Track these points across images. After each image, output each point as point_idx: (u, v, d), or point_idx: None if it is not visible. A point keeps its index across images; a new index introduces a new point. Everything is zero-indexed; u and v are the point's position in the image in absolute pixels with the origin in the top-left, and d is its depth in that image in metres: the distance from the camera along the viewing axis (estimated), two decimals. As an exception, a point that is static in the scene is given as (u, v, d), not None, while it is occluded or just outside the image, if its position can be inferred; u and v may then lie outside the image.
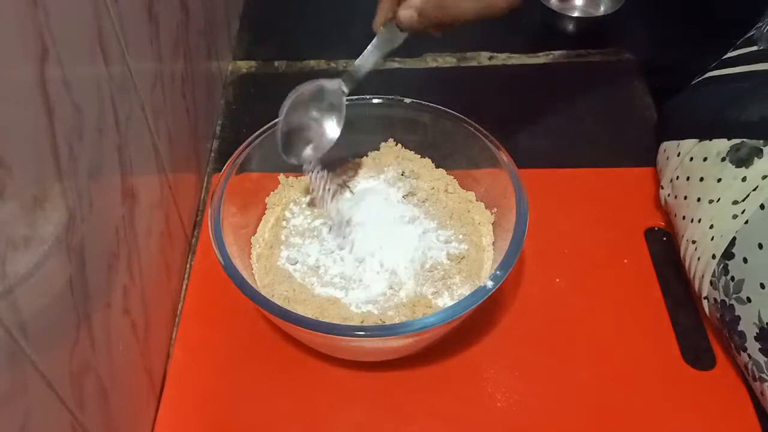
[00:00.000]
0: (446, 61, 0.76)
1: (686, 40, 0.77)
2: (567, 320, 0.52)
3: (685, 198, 0.50)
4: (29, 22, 0.31)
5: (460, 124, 0.54)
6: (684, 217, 0.50)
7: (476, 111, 0.55)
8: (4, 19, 0.29)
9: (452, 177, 0.57)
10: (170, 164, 0.52)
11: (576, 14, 0.80)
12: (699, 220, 0.48)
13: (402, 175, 0.57)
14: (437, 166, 0.58)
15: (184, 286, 0.56)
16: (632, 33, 0.78)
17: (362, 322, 0.47)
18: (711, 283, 0.47)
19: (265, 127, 0.54)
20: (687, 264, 0.50)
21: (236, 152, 0.52)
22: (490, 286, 0.44)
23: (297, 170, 0.57)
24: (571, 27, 0.78)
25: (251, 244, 0.54)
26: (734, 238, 0.45)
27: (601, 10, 0.80)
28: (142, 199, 0.46)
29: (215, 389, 0.49)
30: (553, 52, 0.76)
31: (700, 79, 0.54)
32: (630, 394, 0.48)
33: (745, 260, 0.44)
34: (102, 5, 0.39)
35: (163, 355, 0.51)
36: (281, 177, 0.57)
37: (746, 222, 0.44)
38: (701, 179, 0.49)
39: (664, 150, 0.55)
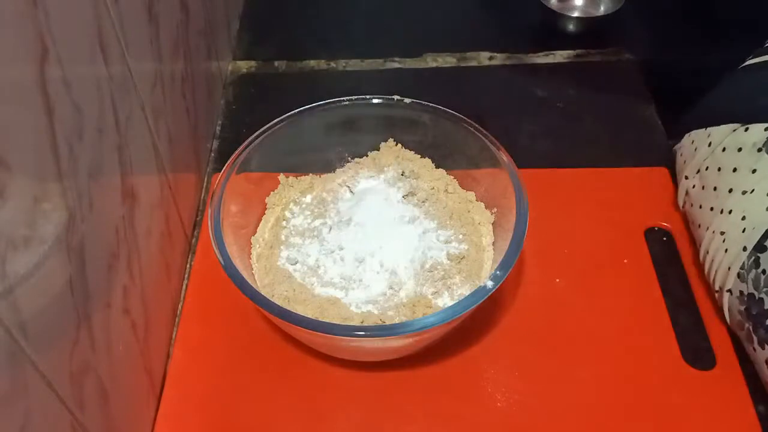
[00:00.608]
0: (446, 61, 0.76)
1: (686, 40, 0.77)
2: (567, 320, 0.52)
3: (715, 189, 0.49)
4: (29, 22, 0.31)
5: (460, 124, 0.54)
6: (712, 209, 0.49)
7: (476, 111, 0.56)
8: (4, 19, 0.29)
9: (452, 177, 0.57)
10: (170, 164, 0.53)
11: (576, 14, 0.80)
12: (730, 212, 0.47)
13: (402, 175, 0.57)
14: (437, 166, 0.58)
15: (184, 286, 0.56)
16: (632, 33, 0.78)
17: (362, 322, 0.47)
18: (738, 275, 0.46)
19: (265, 127, 0.54)
20: (711, 256, 0.49)
21: (236, 152, 0.52)
22: (490, 286, 0.44)
23: (296, 170, 0.58)
24: (571, 27, 0.78)
25: (251, 244, 0.54)
26: (767, 231, 0.44)
27: (601, 10, 0.80)
28: (142, 199, 0.46)
29: (215, 389, 0.49)
30: (553, 52, 0.76)
31: (735, 70, 0.53)
32: (630, 394, 0.48)
33: None
34: (102, 5, 0.39)
35: (163, 355, 0.51)
36: (281, 177, 0.57)
37: None
38: (734, 170, 0.47)
39: (692, 141, 0.53)
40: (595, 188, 0.61)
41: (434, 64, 0.75)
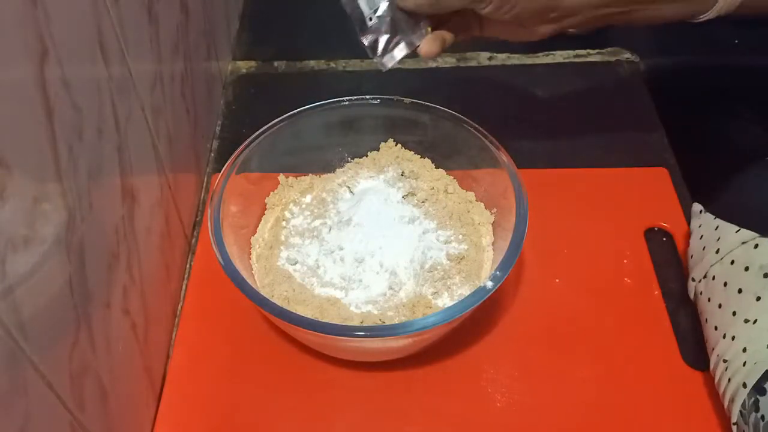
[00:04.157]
0: (446, 61, 0.75)
1: (686, 40, 0.77)
2: (567, 320, 0.52)
3: (720, 306, 0.45)
4: (29, 22, 0.31)
5: (460, 124, 0.54)
6: (716, 328, 0.45)
7: (476, 111, 0.55)
8: (4, 19, 0.29)
9: (452, 177, 0.57)
10: (170, 164, 0.52)
11: (576, 14, 0.80)
12: (732, 338, 0.43)
13: (402, 175, 0.57)
14: (437, 166, 0.58)
15: (183, 287, 0.56)
16: (632, 33, 0.78)
17: (362, 323, 0.47)
18: (741, 413, 0.42)
19: (265, 127, 0.54)
20: (717, 378, 0.45)
21: (236, 152, 0.52)
22: (489, 287, 0.44)
23: (296, 170, 0.58)
24: (571, 27, 0.78)
25: (251, 244, 0.54)
26: (767, 372, 0.40)
27: (601, 10, 0.80)
28: (142, 199, 0.46)
29: (215, 389, 0.49)
30: (553, 52, 0.76)
31: None
32: (630, 394, 0.48)
33: None
34: (102, 5, 0.39)
35: (163, 355, 0.51)
36: (281, 177, 0.57)
37: None
38: (740, 291, 0.44)
39: (700, 236, 0.50)
40: (595, 188, 0.61)
41: (434, 64, 0.75)
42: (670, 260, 0.56)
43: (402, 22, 0.48)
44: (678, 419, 0.47)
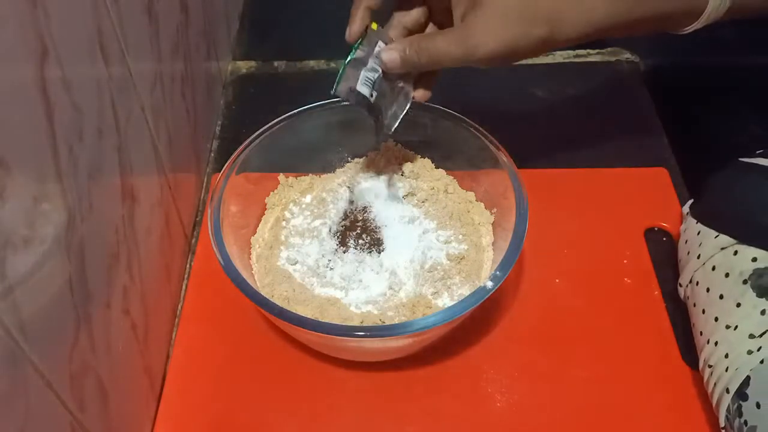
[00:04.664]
0: (446, 61, 0.75)
1: (686, 41, 0.77)
2: (567, 320, 0.52)
3: (704, 312, 0.46)
4: (29, 22, 0.31)
5: (460, 124, 0.54)
6: (701, 333, 0.46)
7: (476, 111, 0.55)
8: (4, 19, 0.29)
9: (452, 177, 0.57)
10: (170, 164, 0.52)
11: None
12: (715, 343, 0.44)
13: (402, 175, 0.57)
14: (437, 166, 0.58)
15: (183, 287, 0.56)
16: (632, 33, 0.78)
17: (362, 323, 0.47)
18: (727, 418, 0.42)
19: (265, 127, 0.54)
20: (705, 380, 0.45)
21: (236, 152, 0.52)
22: (490, 287, 0.44)
23: (296, 170, 0.58)
24: (571, 27, 0.77)
25: (251, 244, 0.54)
26: (748, 377, 0.40)
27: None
28: (142, 199, 0.46)
29: (215, 389, 0.49)
30: (553, 52, 0.76)
31: (746, 165, 0.48)
32: (629, 394, 0.48)
33: (758, 405, 0.39)
34: (102, 5, 0.39)
35: (163, 355, 0.51)
36: (281, 177, 0.57)
37: (762, 362, 0.40)
38: (721, 296, 0.44)
39: (686, 241, 0.50)
40: (595, 188, 0.61)
41: (434, 64, 0.75)
42: (670, 260, 0.55)
43: (395, 81, 0.49)
44: (678, 419, 0.47)
